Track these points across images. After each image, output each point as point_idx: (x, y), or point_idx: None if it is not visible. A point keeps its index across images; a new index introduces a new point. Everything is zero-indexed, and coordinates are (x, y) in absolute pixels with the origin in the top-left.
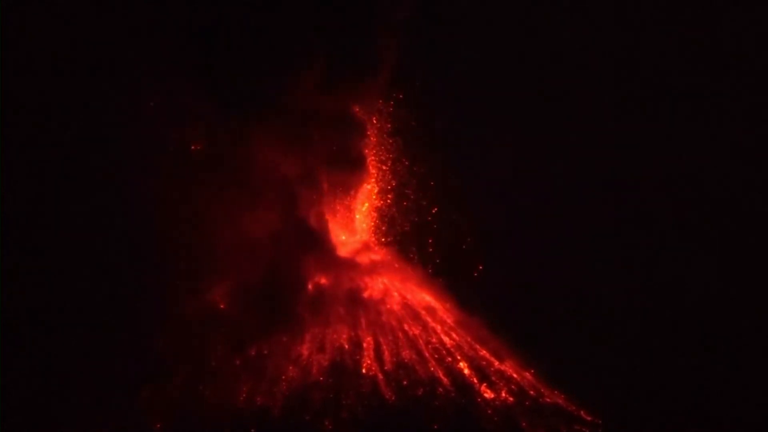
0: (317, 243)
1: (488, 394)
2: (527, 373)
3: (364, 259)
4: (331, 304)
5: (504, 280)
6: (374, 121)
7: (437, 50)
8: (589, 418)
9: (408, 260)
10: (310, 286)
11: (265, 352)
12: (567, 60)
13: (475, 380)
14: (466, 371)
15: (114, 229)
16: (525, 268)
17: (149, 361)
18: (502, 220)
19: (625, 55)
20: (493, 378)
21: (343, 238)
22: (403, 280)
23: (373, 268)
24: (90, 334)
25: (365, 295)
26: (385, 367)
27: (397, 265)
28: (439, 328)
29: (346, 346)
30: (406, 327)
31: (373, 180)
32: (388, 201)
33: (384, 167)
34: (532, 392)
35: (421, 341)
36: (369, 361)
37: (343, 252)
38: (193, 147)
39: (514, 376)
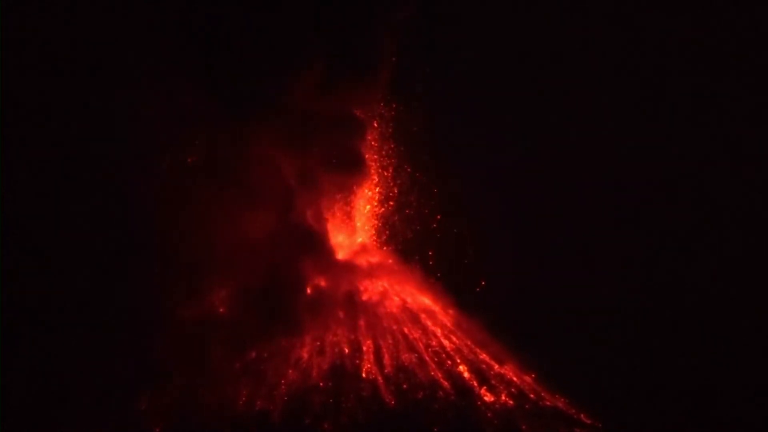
0: (316, 246)
1: (488, 398)
2: (527, 377)
3: (363, 262)
4: (331, 308)
5: (505, 283)
6: (375, 125)
7: (437, 51)
8: (588, 422)
9: (408, 264)
10: (309, 289)
11: (265, 355)
12: (568, 61)
13: (475, 383)
14: (466, 374)
15: (113, 231)
16: (526, 274)
17: (148, 364)
18: (504, 225)
19: (626, 55)
20: (493, 381)
21: (341, 240)
22: (403, 283)
23: (373, 271)
24: (89, 337)
25: (365, 298)
26: (385, 371)
27: (396, 268)
28: (439, 331)
29: (346, 350)
30: (405, 330)
31: (375, 187)
32: (390, 208)
33: (386, 173)
34: (532, 396)
35: (421, 344)
36: (369, 365)
37: (342, 255)
38: (192, 149)
39: (514, 379)
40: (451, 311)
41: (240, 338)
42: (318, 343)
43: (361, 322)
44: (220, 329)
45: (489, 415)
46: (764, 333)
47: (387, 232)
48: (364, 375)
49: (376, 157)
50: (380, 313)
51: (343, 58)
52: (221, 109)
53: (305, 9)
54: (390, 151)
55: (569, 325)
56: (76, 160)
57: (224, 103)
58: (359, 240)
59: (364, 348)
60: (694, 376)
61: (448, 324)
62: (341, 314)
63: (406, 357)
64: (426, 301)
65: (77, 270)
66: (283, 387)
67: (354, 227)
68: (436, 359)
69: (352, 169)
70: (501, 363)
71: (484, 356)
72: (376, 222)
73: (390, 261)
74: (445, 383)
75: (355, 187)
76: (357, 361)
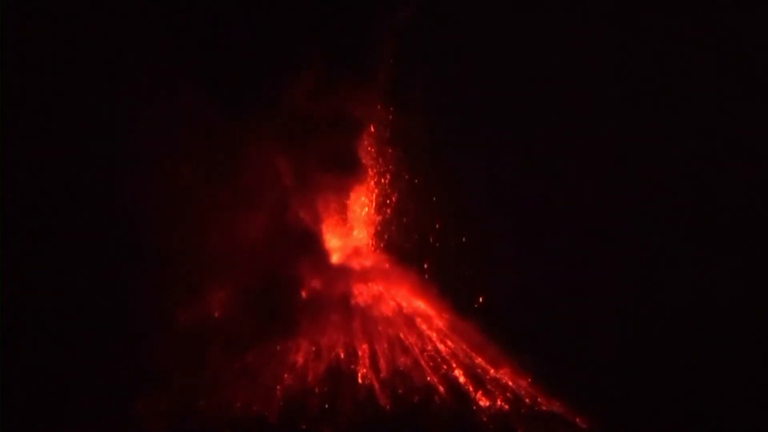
0: (313, 249)
1: (484, 402)
2: (523, 381)
3: (358, 265)
4: (327, 311)
5: (502, 288)
6: (372, 130)
7: (438, 51)
8: (585, 426)
9: (403, 268)
10: (305, 293)
11: (262, 358)
12: (572, 64)
13: (471, 388)
14: (462, 379)
15: (110, 232)
16: (524, 279)
17: (144, 367)
18: (503, 232)
19: (626, 55)
20: (489, 386)
21: (337, 243)
22: (398, 287)
23: (368, 275)
24: (86, 339)
25: (360, 301)
26: (381, 375)
27: (391, 272)
28: (434, 335)
29: (342, 354)
30: (401, 334)
31: (372, 192)
32: (387, 214)
33: (383, 180)
34: (528, 400)
35: (416, 349)
36: (365, 369)
37: (338, 258)
38: (191, 150)
39: (510, 383)
40: (446, 315)
41: (237, 340)
42: (314, 348)
43: (357, 326)
44: (217, 333)
45: (485, 419)
46: (764, 335)
47: (385, 237)
48: (360, 380)
49: (373, 162)
50: (376, 317)
51: (342, 59)
52: (220, 109)
53: (304, 9)
54: (388, 156)
55: (566, 329)
56: (74, 160)
57: (223, 104)
58: (355, 244)
59: (360, 352)
60: (693, 381)
61: (444, 328)
62: (337, 318)
63: (402, 361)
64: (421, 305)
65: (75, 271)
66: (279, 391)
67: (351, 231)
68: (431, 363)
69: (349, 171)
70: (497, 367)
71: (479, 360)
72: (372, 227)
73: (386, 265)
74: (441, 387)
75: (352, 191)
76: (353, 366)
